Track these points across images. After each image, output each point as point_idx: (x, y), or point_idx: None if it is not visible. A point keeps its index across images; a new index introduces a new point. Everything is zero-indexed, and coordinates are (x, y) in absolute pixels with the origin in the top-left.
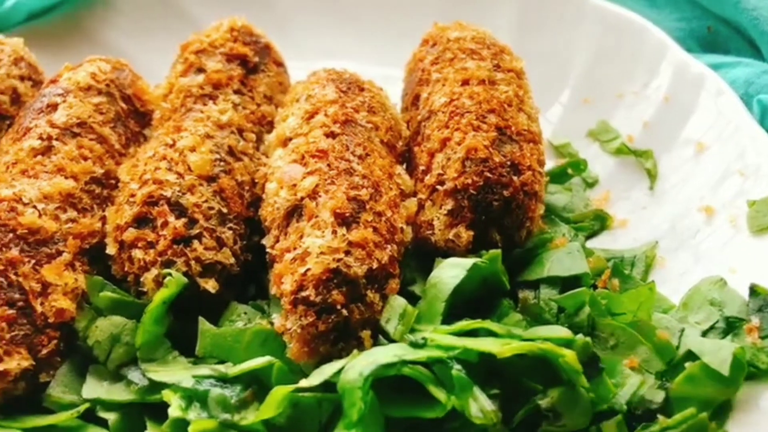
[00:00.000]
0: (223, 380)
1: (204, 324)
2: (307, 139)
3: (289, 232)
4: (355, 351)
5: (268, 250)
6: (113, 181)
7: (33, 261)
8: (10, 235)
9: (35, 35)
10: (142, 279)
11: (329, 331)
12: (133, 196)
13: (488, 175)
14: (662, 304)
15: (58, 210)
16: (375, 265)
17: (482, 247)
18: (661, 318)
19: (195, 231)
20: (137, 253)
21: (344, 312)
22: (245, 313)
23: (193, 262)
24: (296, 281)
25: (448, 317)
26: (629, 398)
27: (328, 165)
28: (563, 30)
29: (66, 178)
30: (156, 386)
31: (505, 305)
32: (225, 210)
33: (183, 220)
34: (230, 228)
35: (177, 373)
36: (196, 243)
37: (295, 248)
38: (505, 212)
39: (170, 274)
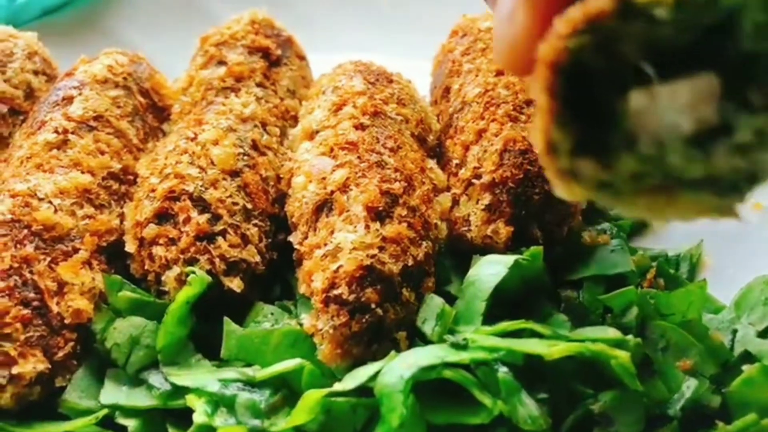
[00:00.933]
0: (251, 384)
1: (229, 325)
2: (336, 131)
3: (318, 227)
4: (392, 352)
5: (296, 246)
6: (131, 177)
7: (48, 259)
8: (25, 231)
9: (49, 31)
10: (163, 278)
11: (363, 332)
12: (153, 191)
13: (528, 167)
14: (711, 305)
15: (75, 206)
16: (410, 262)
17: (522, 243)
18: (712, 319)
19: (219, 227)
20: (158, 251)
21: (379, 311)
22: (272, 314)
23: (217, 260)
24: (328, 279)
25: (487, 318)
26: (684, 403)
27: (359, 157)
28: None
29: (82, 172)
30: (179, 391)
31: (548, 305)
32: (249, 206)
33: (206, 215)
34: (255, 224)
35: (201, 376)
36: (220, 240)
37: (325, 244)
38: (547, 207)
39: (194, 272)
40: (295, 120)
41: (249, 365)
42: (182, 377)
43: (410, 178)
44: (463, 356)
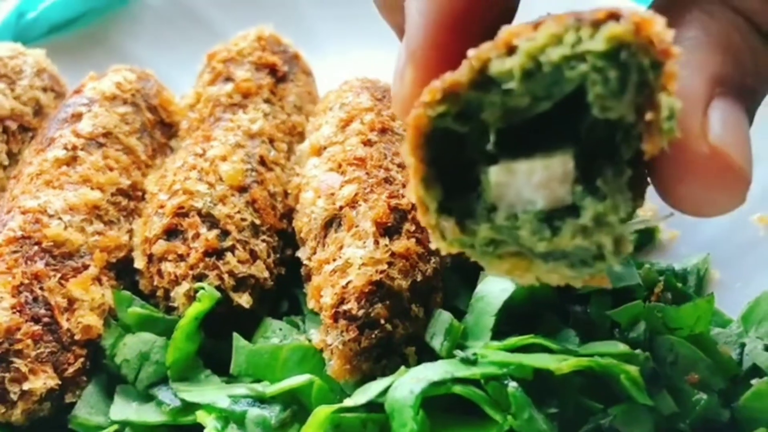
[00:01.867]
0: (261, 400)
1: (239, 340)
2: (344, 147)
3: (327, 243)
4: (402, 368)
5: (304, 262)
6: (140, 193)
7: (59, 275)
8: (35, 247)
9: (57, 48)
10: (172, 293)
11: (372, 347)
12: (162, 207)
13: None
14: (719, 319)
15: (84, 222)
16: (419, 278)
17: None
18: (720, 333)
19: (227, 243)
20: (167, 267)
21: (388, 327)
22: (280, 329)
23: (226, 276)
24: (337, 294)
25: (496, 333)
26: (693, 418)
27: (367, 173)
28: None
29: (92, 189)
30: (189, 407)
31: (556, 320)
32: (258, 221)
33: (215, 231)
34: (263, 240)
35: (211, 392)
36: (229, 256)
37: (334, 260)
38: None
39: (203, 288)
40: (302, 136)
41: (258, 381)
42: (192, 393)
43: None
44: (474, 371)
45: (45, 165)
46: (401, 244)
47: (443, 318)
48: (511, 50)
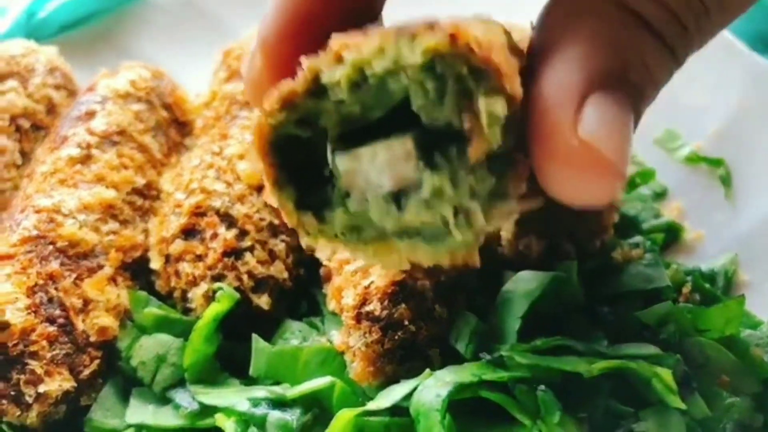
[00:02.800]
0: (281, 403)
1: (258, 342)
2: None
3: None
4: (427, 370)
5: (324, 262)
6: (155, 193)
7: (74, 275)
8: (50, 247)
9: (67, 47)
10: (190, 294)
11: (396, 349)
12: (179, 206)
13: None
14: (748, 320)
15: (99, 221)
16: (442, 278)
17: (554, 258)
18: (751, 335)
19: (246, 243)
20: (185, 267)
21: (412, 328)
22: (299, 331)
23: (245, 277)
24: (359, 295)
25: (521, 335)
26: (726, 422)
27: None
28: None
29: (106, 188)
30: (207, 410)
31: (583, 321)
32: (276, 221)
33: (233, 231)
34: (282, 240)
35: (230, 395)
36: (247, 256)
37: (356, 260)
38: (579, 220)
39: (222, 289)
40: None
41: (277, 383)
42: (210, 396)
43: None
44: (502, 374)
45: (59, 163)
46: None
47: (468, 319)
48: (339, 61)
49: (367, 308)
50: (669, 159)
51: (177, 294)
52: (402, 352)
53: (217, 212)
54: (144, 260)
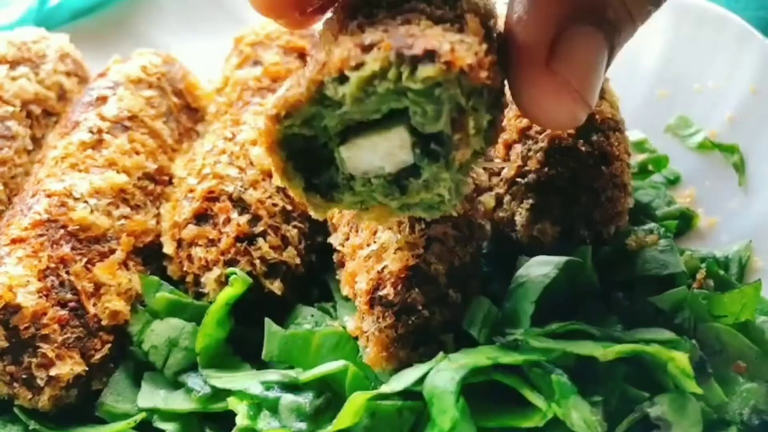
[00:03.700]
0: (294, 386)
1: (271, 326)
2: None
3: (361, 228)
4: (441, 354)
5: (337, 248)
6: (166, 178)
7: (85, 259)
8: (61, 231)
9: (79, 34)
10: (202, 279)
11: (409, 334)
12: (192, 191)
13: (575, 165)
14: (763, 307)
15: (111, 206)
16: (456, 263)
17: (569, 243)
18: (765, 321)
19: (259, 229)
20: (198, 252)
21: (425, 313)
22: (312, 316)
23: (257, 262)
24: (373, 280)
25: (535, 320)
26: (741, 407)
27: None
28: None
29: (118, 172)
30: (219, 394)
31: (598, 306)
32: (289, 207)
33: (246, 216)
34: (294, 226)
35: (242, 379)
36: (260, 241)
37: (369, 245)
38: (594, 206)
39: (235, 273)
40: None
41: (290, 367)
42: (223, 380)
43: None
44: (517, 357)
45: (70, 148)
46: (437, 228)
47: (481, 304)
48: (342, 78)
49: (381, 293)
50: (682, 146)
51: (189, 279)
52: (415, 337)
53: (230, 197)
54: (156, 245)
